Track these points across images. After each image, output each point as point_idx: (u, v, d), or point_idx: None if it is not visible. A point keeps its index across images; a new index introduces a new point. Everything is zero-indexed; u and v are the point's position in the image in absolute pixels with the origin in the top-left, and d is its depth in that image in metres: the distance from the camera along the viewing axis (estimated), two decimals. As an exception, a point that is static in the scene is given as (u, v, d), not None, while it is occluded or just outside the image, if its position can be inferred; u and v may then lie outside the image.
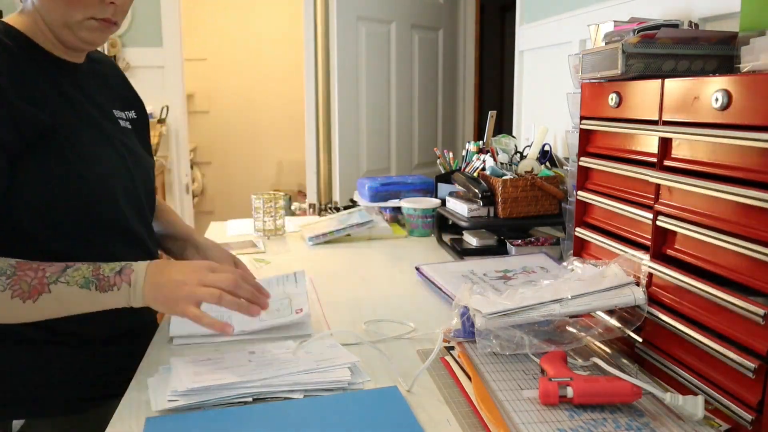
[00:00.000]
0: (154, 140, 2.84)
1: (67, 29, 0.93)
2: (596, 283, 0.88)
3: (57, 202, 0.89)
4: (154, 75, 3.01)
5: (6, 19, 0.96)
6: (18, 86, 0.87)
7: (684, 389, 0.76)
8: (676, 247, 0.80)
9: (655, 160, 0.82)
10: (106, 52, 2.89)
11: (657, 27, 0.94)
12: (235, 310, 0.86)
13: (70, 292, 0.83)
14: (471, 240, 1.60)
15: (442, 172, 1.95)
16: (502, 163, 1.62)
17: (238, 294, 0.87)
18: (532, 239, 1.53)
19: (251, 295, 0.88)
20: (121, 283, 0.84)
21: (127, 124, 1.08)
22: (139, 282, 0.85)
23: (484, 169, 1.66)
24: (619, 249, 0.90)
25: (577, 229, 1.02)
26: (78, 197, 0.91)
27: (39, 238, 0.90)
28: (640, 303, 0.84)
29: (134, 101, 1.16)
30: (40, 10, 0.92)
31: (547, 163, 1.63)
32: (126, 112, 1.10)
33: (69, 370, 0.95)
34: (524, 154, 1.66)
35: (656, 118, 0.81)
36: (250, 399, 0.79)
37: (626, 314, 0.85)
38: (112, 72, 1.14)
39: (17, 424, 0.94)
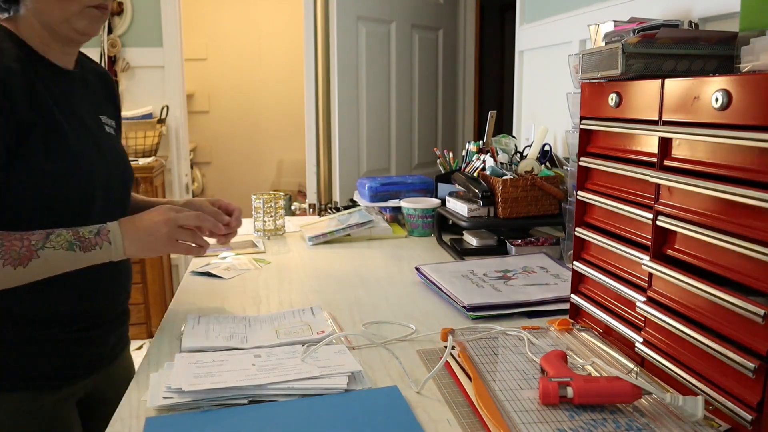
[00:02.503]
0: (154, 140, 2.84)
1: (65, 23, 0.98)
2: None
3: (43, 193, 0.95)
4: (154, 75, 3.01)
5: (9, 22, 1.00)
6: (15, 85, 0.92)
7: (684, 389, 0.76)
8: (676, 247, 0.80)
9: (655, 160, 0.82)
10: (106, 52, 2.89)
11: (657, 27, 0.94)
12: (207, 232, 1.09)
13: (57, 255, 0.92)
14: (471, 240, 1.60)
15: (442, 172, 1.95)
16: (502, 163, 1.62)
17: (204, 226, 1.05)
18: (532, 239, 1.53)
19: (213, 225, 1.07)
20: (102, 242, 0.96)
21: (111, 131, 1.14)
22: (117, 239, 0.97)
23: (484, 169, 1.66)
24: (619, 249, 0.90)
25: (577, 229, 1.02)
26: (63, 191, 0.97)
27: (21, 226, 0.94)
28: None
29: (117, 113, 1.22)
30: (37, 12, 0.98)
31: (547, 163, 1.63)
32: (111, 120, 1.16)
33: (26, 350, 0.98)
34: (524, 154, 1.66)
35: (656, 118, 0.81)
36: (245, 401, 0.79)
37: None
38: (102, 80, 1.19)
39: None
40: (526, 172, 1.53)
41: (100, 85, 1.17)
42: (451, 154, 1.98)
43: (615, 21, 1.14)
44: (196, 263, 1.47)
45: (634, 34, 0.91)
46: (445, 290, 1.20)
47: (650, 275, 0.84)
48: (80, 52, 1.11)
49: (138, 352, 2.61)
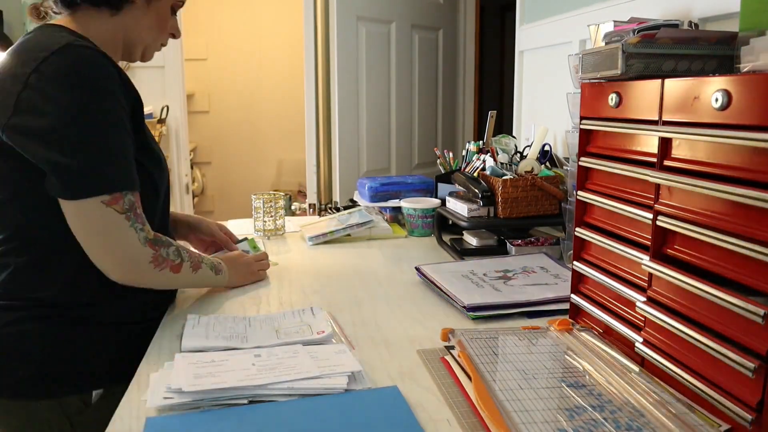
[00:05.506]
0: (154, 140, 2.84)
1: (141, 46, 1.13)
2: None
3: (149, 186, 1.08)
4: (154, 75, 3.01)
5: (71, 24, 1.04)
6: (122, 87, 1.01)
7: (684, 389, 0.76)
8: (676, 247, 0.80)
9: (655, 160, 0.82)
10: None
11: (657, 27, 0.94)
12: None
13: (206, 272, 1.17)
14: (471, 240, 1.60)
15: (442, 172, 1.95)
16: (502, 163, 1.62)
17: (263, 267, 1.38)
18: (532, 239, 1.53)
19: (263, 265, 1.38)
20: (221, 271, 1.22)
21: None
22: (226, 271, 1.24)
23: (484, 169, 1.66)
24: (619, 249, 0.90)
25: (577, 229, 1.02)
26: (159, 185, 1.12)
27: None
28: None
29: None
30: (127, 27, 1.08)
31: (547, 163, 1.63)
32: None
33: (134, 346, 1.04)
34: (524, 154, 1.66)
35: (656, 118, 0.81)
36: (245, 401, 0.79)
37: None
38: None
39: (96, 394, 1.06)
40: (526, 172, 1.53)
41: None
42: (451, 154, 1.98)
43: (615, 21, 1.14)
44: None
45: (634, 34, 0.91)
46: (445, 290, 1.20)
47: (650, 275, 0.84)
48: None
49: (138, 352, 2.60)
